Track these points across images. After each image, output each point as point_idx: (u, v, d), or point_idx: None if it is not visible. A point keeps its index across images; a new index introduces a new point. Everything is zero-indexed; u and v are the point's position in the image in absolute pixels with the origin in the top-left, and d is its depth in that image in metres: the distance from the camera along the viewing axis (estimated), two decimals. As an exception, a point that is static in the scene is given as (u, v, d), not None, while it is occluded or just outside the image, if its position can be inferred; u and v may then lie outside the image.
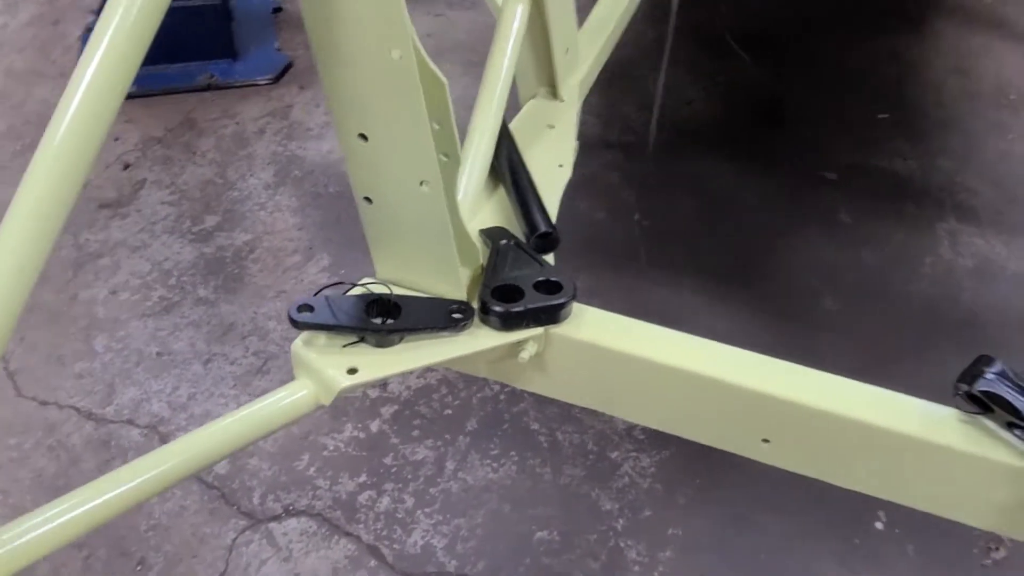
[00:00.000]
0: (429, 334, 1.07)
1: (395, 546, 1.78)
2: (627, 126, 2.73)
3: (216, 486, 1.85)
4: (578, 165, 1.55)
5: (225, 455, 0.99)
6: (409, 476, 1.88)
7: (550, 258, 1.23)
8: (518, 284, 1.11)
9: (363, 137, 0.97)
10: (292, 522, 1.81)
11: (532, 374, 1.15)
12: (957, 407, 1.02)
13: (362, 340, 1.04)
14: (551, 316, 1.09)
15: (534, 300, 1.09)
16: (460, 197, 1.22)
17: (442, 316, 1.08)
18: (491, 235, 1.22)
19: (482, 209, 1.31)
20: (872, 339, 2.20)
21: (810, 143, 2.70)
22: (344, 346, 1.04)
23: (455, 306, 1.09)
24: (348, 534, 1.79)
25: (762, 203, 2.51)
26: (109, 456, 1.88)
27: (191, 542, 1.76)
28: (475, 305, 1.10)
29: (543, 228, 1.23)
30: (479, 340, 1.08)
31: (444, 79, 0.96)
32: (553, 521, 1.83)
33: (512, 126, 1.47)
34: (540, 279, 1.12)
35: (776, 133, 2.74)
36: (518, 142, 1.41)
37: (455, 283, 1.11)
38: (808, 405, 1.02)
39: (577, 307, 1.13)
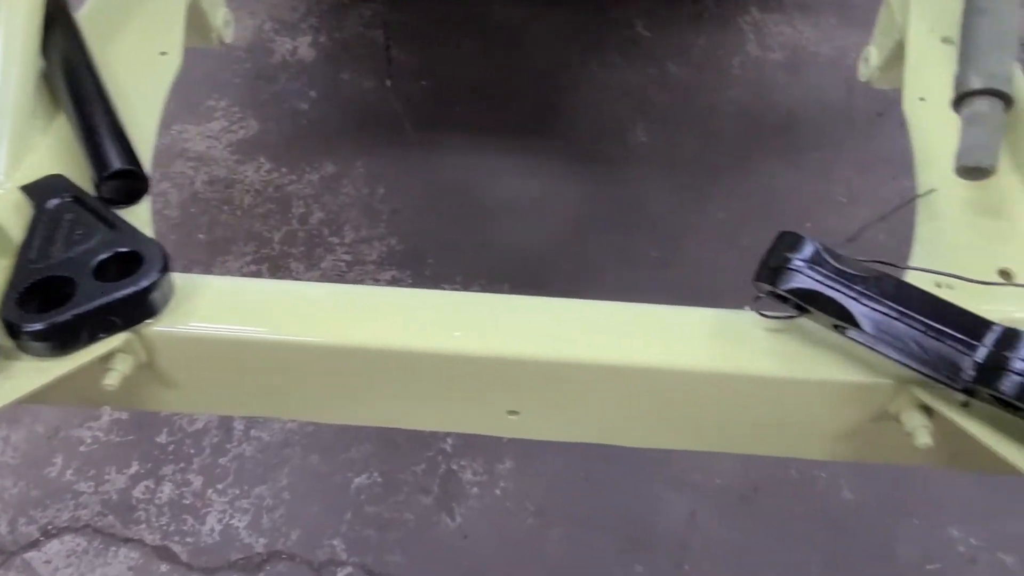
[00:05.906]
0: None
1: (188, 539, 1.49)
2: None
3: (-53, 526, 1.49)
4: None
5: None
6: (192, 451, 1.57)
7: (143, 215, 0.81)
8: (69, 273, 0.73)
9: None
10: (54, 544, 1.48)
11: (147, 391, 0.78)
12: (760, 311, 0.75)
13: None
14: (133, 311, 0.72)
15: (92, 294, 0.71)
16: None
17: None
18: (38, 192, 0.82)
19: (34, 151, 0.88)
20: (689, 162, 1.99)
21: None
22: None
23: None
24: (128, 540, 1.48)
25: (552, 33, 2.18)
26: None
27: (-73, 604, 1.42)
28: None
29: (116, 165, 0.82)
30: (17, 381, 0.69)
31: None
32: (371, 461, 1.57)
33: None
34: (107, 255, 0.75)
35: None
36: (95, 22, 0.97)
37: None
38: (556, 360, 0.73)
39: (182, 281, 0.75)
